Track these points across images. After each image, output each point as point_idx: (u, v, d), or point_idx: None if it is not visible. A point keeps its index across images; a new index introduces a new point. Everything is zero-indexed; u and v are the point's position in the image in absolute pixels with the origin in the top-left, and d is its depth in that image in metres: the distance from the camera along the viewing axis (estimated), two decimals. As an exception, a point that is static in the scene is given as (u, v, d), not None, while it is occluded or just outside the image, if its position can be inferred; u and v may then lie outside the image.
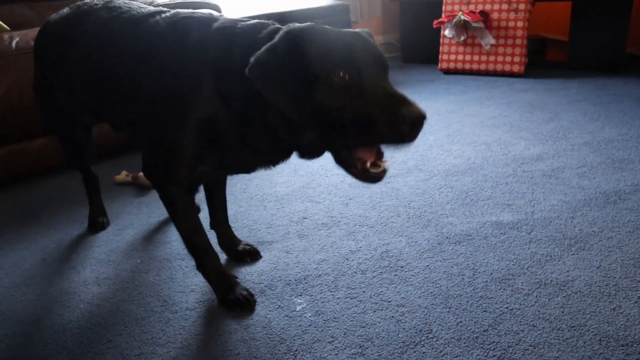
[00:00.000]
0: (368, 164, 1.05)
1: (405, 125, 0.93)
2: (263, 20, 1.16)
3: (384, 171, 1.07)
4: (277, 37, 1.03)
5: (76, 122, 1.64)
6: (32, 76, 1.69)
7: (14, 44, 2.14)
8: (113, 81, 1.31)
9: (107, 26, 1.35)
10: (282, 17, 3.29)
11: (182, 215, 1.29)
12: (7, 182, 2.33)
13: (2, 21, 2.42)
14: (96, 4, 1.44)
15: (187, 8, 1.33)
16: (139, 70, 1.23)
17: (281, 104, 1.01)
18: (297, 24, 1.07)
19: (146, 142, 1.29)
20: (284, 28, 1.06)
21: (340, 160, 1.08)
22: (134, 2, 1.43)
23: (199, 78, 1.13)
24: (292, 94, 1.00)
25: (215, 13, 1.53)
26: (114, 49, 1.30)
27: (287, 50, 1.00)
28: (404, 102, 0.95)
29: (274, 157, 1.22)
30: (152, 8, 1.33)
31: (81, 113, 1.59)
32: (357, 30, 1.08)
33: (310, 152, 1.12)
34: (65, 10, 1.53)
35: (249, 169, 1.28)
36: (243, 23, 1.15)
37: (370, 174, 1.06)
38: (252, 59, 1.01)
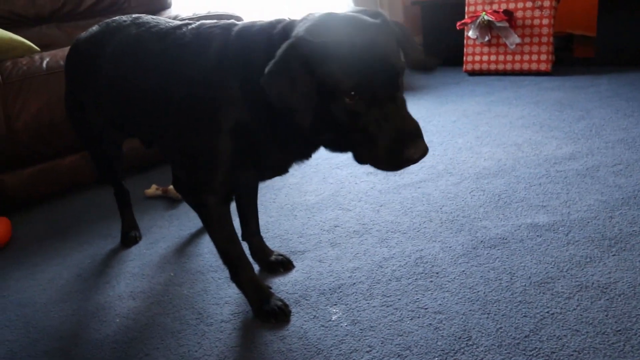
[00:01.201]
0: None
1: (407, 163, 1.01)
2: (279, 18, 1.17)
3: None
4: (290, 46, 1.01)
5: (107, 138, 1.67)
6: (62, 95, 1.72)
7: (44, 64, 2.19)
8: (143, 95, 1.32)
9: (136, 41, 1.37)
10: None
11: (217, 226, 1.30)
12: (40, 199, 2.37)
13: (32, 42, 2.47)
14: (125, 21, 1.47)
15: (211, 20, 1.35)
16: (168, 82, 1.24)
17: (293, 114, 1.03)
18: (311, 19, 1.06)
19: (178, 154, 1.31)
20: (299, 30, 1.04)
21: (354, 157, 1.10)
22: (161, 18, 1.45)
23: (224, 85, 1.15)
24: (303, 107, 1.01)
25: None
26: (143, 64, 1.32)
27: (299, 66, 1.00)
28: (411, 138, 1.00)
29: (304, 150, 1.23)
30: (178, 22, 1.35)
31: (112, 129, 1.61)
32: (375, 25, 1.04)
33: (334, 148, 1.14)
34: (95, 28, 1.55)
35: (283, 167, 1.29)
36: (259, 22, 1.17)
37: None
38: (266, 69, 1.02)
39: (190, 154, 1.24)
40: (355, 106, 1.00)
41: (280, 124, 1.14)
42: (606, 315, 1.18)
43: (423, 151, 1.00)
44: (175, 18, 2.65)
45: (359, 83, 0.98)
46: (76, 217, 2.15)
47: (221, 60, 1.16)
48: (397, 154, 1.00)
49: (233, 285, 1.40)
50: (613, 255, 1.39)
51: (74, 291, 1.61)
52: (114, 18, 1.52)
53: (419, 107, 2.95)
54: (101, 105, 1.53)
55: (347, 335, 1.23)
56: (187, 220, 1.96)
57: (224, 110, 1.15)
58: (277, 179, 2.12)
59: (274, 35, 1.10)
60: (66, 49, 2.32)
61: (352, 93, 0.99)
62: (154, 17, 1.45)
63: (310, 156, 1.27)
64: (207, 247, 1.73)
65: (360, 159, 1.08)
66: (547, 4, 3.20)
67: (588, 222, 1.57)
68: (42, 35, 2.87)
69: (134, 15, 1.49)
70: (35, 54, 2.33)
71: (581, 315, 1.19)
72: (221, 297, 1.46)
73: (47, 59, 2.22)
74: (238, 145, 1.17)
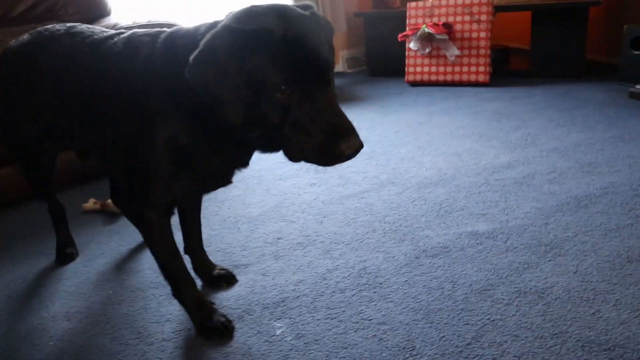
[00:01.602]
0: None
1: (342, 158, 0.98)
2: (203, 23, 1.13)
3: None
4: (216, 34, 0.97)
5: (41, 150, 1.59)
6: (-9, 106, 1.63)
7: (-29, 73, 2.07)
8: (79, 106, 1.28)
9: (70, 52, 1.32)
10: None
11: (157, 240, 1.26)
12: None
13: (-42, 50, 2.34)
14: (58, 30, 1.41)
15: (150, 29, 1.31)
16: (101, 93, 1.21)
17: (221, 107, 0.98)
18: (238, 10, 1.01)
19: (116, 166, 1.26)
20: (224, 20, 1.00)
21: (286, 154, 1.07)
22: (97, 27, 1.40)
23: (151, 95, 1.11)
24: (232, 99, 0.97)
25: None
26: (78, 74, 1.28)
27: (228, 54, 0.95)
28: (345, 133, 0.97)
29: (239, 154, 1.19)
30: (112, 31, 1.31)
31: (47, 140, 1.54)
32: (306, 17, 1.01)
33: (265, 146, 1.10)
34: (26, 36, 1.49)
35: (224, 176, 1.25)
36: (185, 27, 1.13)
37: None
38: (190, 59, 0.97)
39: (127, 166, 1.21)
40: (287, 100, 0.96)
41: (212, 128, 1.10)
42: (544, 320, 1.22)
43: (357, 146, 0.98)
44: (114, 26, 2.58)
45: (291, 76, 0.95)
46: (7, 234, 2.04)
47: (147, 69, 1.13)
48: (330, 149, 0.97)
49: (174, 301, 1.36)
50: (549, 261, 1.44)
51: (5, 313, 1.52)
52: (47, 27, 1.46)
53: (362, 117, 2.98)
54: (36, 116, 1.46)
55: (291, 349, 1.22)
56: (127, 235, 1.90)
57: (154, 121, 1.12)
58: (220, 191, 2.09)
59: (199, 37, 1.03)
60: (-4, 57, 2.22)
61: (283, 87, 0.95)
62: (89, 26, 1.40)
63: (248, 163, 1.23)
64: (147, 263, 1.68)
65: (292, 156, 1.04)
66: (484, 17, 3.31)
67: (525, 229, 1.61)
68: (-29, 43, 2.72)
69: (68, 25, 1.43)
70: (-39, 63, 2.20)
71: (520, 320, 1.22)
72: (162, 314, 1.41)
73: (-25, 68, 2.11)
74: (172, 156, 1.13)
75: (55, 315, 1.48)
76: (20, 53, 1.47)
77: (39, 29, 1.48)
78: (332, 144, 0.96)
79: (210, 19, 1.09)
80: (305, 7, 1.05)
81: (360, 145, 0.98)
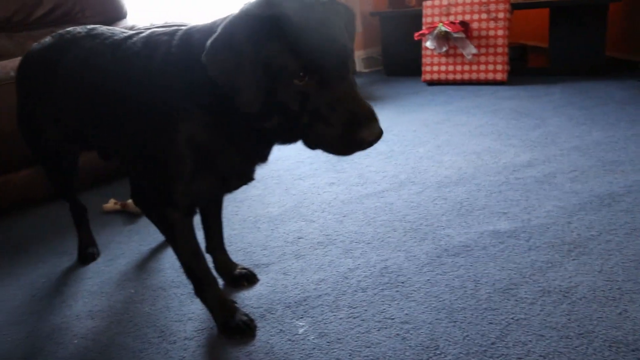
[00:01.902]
0: None
1: (362, 146, 0.96)
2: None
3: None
4: (234, 20, 0.96)
5: (63, 151, 1.61)
6: (11, 107, 1.65)
7: (-7, 75, 2.11)
8: (100, 107, 1.29)
9: (91, 53, 1.33)
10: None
11: (180, 240, 1.26)
12: (-9, 216, 2.27)
13: (-20, 53, 2.38)
14: (79, 32, 1.42)
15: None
16: (122, 93, 1.21)
17: (236, 94, 0.97)
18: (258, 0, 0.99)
19: (137, 166, 1.27)
20: (243, 7, 0.99)
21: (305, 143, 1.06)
22: (117, 28, 1.41)
23: (170, 92, 1.12)
24: (249, 86, 0.96)
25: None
26: (98, 75, 1.29)
27: (246, 39, 0.94)
28: (365, 120, 0.95)
29: (259, 147, 1.19)
30: (132, 32, 1.32)
31: (69, 141, 1.56)
32: (325, 4, 0.99)
33: (283, 137, 1.09)
34: (48, 39, 1.50)
35: (245, 172, 1.25)
36: (202, 24, 1.13)
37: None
38: (207, 43, 0.96)
39: (148, 166, 1.21)
40: (305, 87, 0.95)
41: (231, 122, 1.10)
42: (569, 319, 1.20)
43: (378, 133, 0.96)
44: (131, 28, 2.60)
45: (309, 63, 0.94)
46: (30, 234, 2.07)
47: (164, 66, 1.13)
48: (350, 137, 0.95)
49: (196, 301, 1.37)
50: (573, 260, 1.42)
51: (28, 312, 1.54)
52: (68, 29, 1.48)
53: (380, 117, 2.93)
54: (58, 117, 1.48)
55: (314, 348, 1.22)
56: (147, 235, 1.91)
57: (173, 119, 1.12)
58: (239, 190, 2.10)
59: (215, 29, 1.02)
60: (16, 60, 2.24)
61: (301, 74, 0.94)
62: (109, 28, 1.42)
63: (267, 157, 1.23)
64: (168, 263, 1.69)
65: (311, 144, 1.02)
66: (501, 15, 3.29)
67: (548, 228, 1.60)
68: (-8, 46, 2.77)
69: (89, 27, 1.45)
70: (-17, 65, 2.24)
71: (545, 320, 1.21)
72: (184, 313, 1.42)
73: (-3, 70, 2.14)
74: (193, 154, 1.14)
75: (79, 314, 1.49)
76: (42, 56, 1.49)
77: (61, 31, 1.50)
78: (353, 132, 0.95)
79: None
80: None
81: (381, 132, 0.97)
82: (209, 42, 0.97)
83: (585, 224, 1.59)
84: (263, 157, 1.23)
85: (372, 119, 0.96)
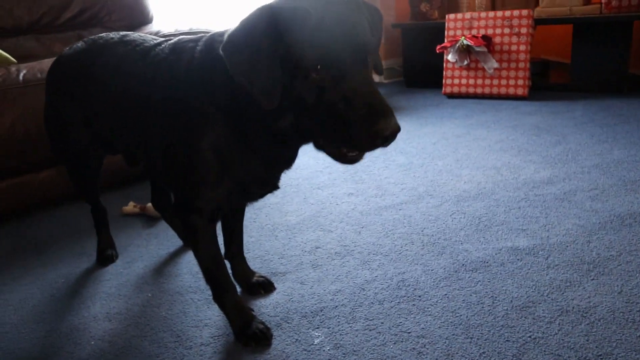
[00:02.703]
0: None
1: (380, 139, 0.93)
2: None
3: (362, 155, 1.04)
4: (253, 13, 0.98)
5: (89, 154, 1.63)
6: (38, 108, 1.68)
7: (21, 76, 2.14)
8: (128, 111, 1.32)
9: (123, 59, 1.36)
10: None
11: (203, 245, 1.27)
12: (12, 215, 2.31)
13: (8, 53, 2.43)
14: (112, 38, 1.45)
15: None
16: (149, 99, 1.24)
17: (251, 88, 0.98)
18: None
19: (162, 172, 1.29)
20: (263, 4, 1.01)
21: (317, 145, 1.06)
22: (148, 35, 1.44)
23: (194, 96, 1.14)
24: (264, 79, 0.96)
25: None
26: (128, 81, 1.32)
27: (264, 32, 0.95)
28: (382, 113, 0.93)
29: (282, 151, 1.19)
30: (161, 39, 1.34)
31: (96, 144, 1.58)
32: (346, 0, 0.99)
33: (297, 136, 1.09)
34: (80, 44, 1.53)
35: (269, 180, 1.25)
36: (225, 29, 1.13)
37: (348, 157, 1.04)
38: (225, 36, 0.98)
39: (174, 171, 1.23)
40: (322, 81, 0.95)
41: (252, 126, 1.11)
42: (587, 340, 1.19)
43: (395, 127, 0.93)
44: (156, 34, 2.64)
45: (327, 56, 0.94)
46: (50, 234, 2.10)
47: (189, 73, 1.15)
48: (366, 130, 0.93)
49: (213, 307, 1.37)
50: (592, 280, 1.41)
51: (47, 312, 1.56)
52: (101, 35, 1.51)
53: (398, 129, 2.97)
54: (86, 122, 1.50)
55: (329, 359, 1.22)
56: (166, 239, 1.93)
57: (197, 126, 1.14)
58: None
59: None
60: (44, 62, 2.29)
61: (319, 67, 0.94)
62: (141, 34, 1.44)
63: (292, 163, 1.23)
64: (186, 268, 1.70)
65: (325, 141, 1.02)
66: (524, 30, 3.28)
67: (567, 246, 1.58)
68: (20, 47, 2.82)
69: (121, 33, 1.48)
70: (12, 66, 2.28)
71: (563, 339, 1.20)
72: (200, 319, 1.43)
73: (24, 71, 2.18)
74: (217, 159, 1.15)
75: (96, 315, 1.51)
76: (74, 60, 1.52)
77: (93, 37, 1.53)
78: (369, 125, 0.93)
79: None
80: None
81: (398, 127, 0.94)
82: (226, 34, 0.98)
83: (605, 244, 1.58)
84: (287, 163, 1.23)
85: (389, 112, 0.94)
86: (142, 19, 3.16)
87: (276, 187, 1.28)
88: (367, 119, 0.93)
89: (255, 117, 1.08)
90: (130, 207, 2.19)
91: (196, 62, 1.15)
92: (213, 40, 1.14)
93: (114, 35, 1.47)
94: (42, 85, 2.06)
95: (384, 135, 0.93)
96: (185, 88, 1.15)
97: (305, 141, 1.11)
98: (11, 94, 2.09)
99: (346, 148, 1.01)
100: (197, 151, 1.15)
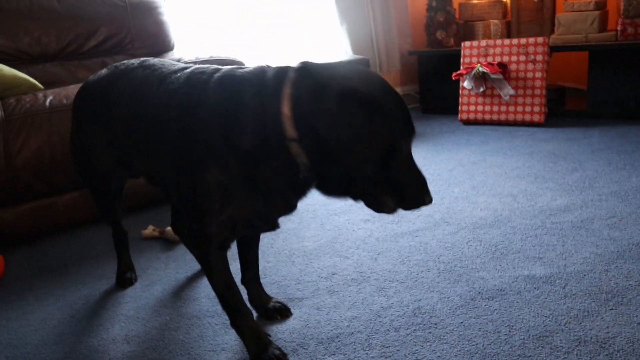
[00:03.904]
0: None
1: (423, 205, 1.16)
2: (261, 66, 1.21)
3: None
4: (345, 98, 1.05)
5: (111, 178, 1.67)
6: (64, 133, 1.73)
7: (47, 102, 2.21)
8: (144, 135, 1.36)
9: (141, 83, 1.40)
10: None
11: (215, 272, 1.30)
12: (36, 236, 2.35)
13: (36, 80, 2.50)
14: (132, 64, 1.50)
15: (212, 64, 1.38)
16: (162, 126, 1.28)
17: (353, 165, 1.08)
18: (328, 69, 1.11)
19: (176, 197, 1.32)
20: (320, 77, 1.08)
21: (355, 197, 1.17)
22: (167, 60, 1.48)
23: (206, 132, 1.17)
24: (370, 155, 1.08)
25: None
26: (144, 104, 1.36)
27: (361, 117, 1.05)
28: (426, 184, 1.15)
29: (291, 197, 1.23)
30: (180, 65, 1.38)
31: (118, 168, 1.62)
32: (382, 77, 1.14)
33: (333, 192, 1.17)
34: (104, 71, 1.59)
35: (270, 221, 1.28)
36: (241, 70, 1.20)
37: (387, 208, 1.17)
38: (337, 93, 1.04)
39: (185, 199, 1.26)
40: (401, 154, 1.10)
41: (265, 167, 1.15)
42: (605, 372, 1.18)
43: (431, 200, 1.16)
44: (178, 61, 2.70)
45: (408, 131, 1.11)
46: (71, 256, 2.14)
47: (200, 108, 1.19)
48: (418, 198, 1.14)
49: (230, 331, 1.39)
50: (610, 310, 1.40)
51: (67, 333, 1.59)
52: (123, 62, 1.56)
53: (415, 155, 2.95)
54: (108, 147, 1.55)
55: (345, 386, 1.22)
56: (184, 262, 1.95)
57: (205, 158, 1.18)
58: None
59: (265, 82, 1.13)
60: (69, 88, 2.36)
61: (403, 142, 1.10)
62: (160, 60, 1.49)
63: (295, 207, 1.28)
64: (204, 292, 1.72)
65: (381, 204, 1.15)
66: (539, 57, 3.30)
67: (584, 275, 1.58)
68: (46, 73, 2.90)
69: (142, 59, 1.53)
70: (38, 92, 2.35)
71: (580, 371, 1.19)
72: (218, 343, 1.44)
73: (51, 97, 2.25)
74: (222, 194, 1.19)
75: (115, 337, 1.53)
76: (97, 85, 1.57)
77: (117, 64, 1.58)
78: (422, 195, 1.14)
79: (266, 59, 1.16)
80: (366, 64, 1.16)
81: (432, 200, 1.17)
82: (339, 91, 1.05)
83: (623, 273, 1.57)
84: (292, 208, 1.27)
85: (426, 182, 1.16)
86: (163, 46, 3.24)
87: (276, 227, 1.32)
88: (421, 189, 1.14)
89: (276, 164, 1.14)
90: (149, 230, 2.22)
91: (210, 101, 1.18)
92: (230, 83, 1.18)
93: (134, 61, 1.52)
94: (68, 110, 2.14)
95: (427, 203, 1.15)
96: (195, 123, 1.19)
97: (340, 195, 1.19)
98: (38, 119, 2.16)
99: (395, 204, 1.15)
100: (202, 182, 1.19)
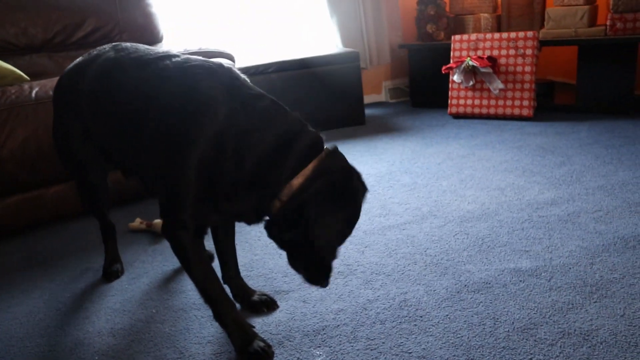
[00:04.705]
0: None
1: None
2: (274, 100, 1.24)
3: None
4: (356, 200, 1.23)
5: (91, 168, 1.66)
6: (50, 125, 1.71)
7: (33, 93, 2.19)
8: (121, 122, 1.34)
9: (114, 67, 1.39)
10: (296, 64, 3.36)
11: (193, 262, 1.29)
12: (22, 229, 2.33)
13: (22, 71, 2.48)
14: (104, 48, 1.49)
15: (201, 56, 1.37)
16: (146, 111, 1.26)
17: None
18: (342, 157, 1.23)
19: (152, 185, 1.31)
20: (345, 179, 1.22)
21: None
22: (141, 45, 1.46)
23: (203, 122, 1.17)
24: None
25: (226, 62, 1.58)
26: (122, 90, 1.34)
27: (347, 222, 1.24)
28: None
29: (251, 216, 1.28)
30: (160, 51, 1.36)
31: (96, 158, 1.61)
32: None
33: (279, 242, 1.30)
34: (79, 58, 1.57)
35: (242, 214, 1.30)
36: (252, 92, 1.23)
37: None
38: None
39: (162, 186, 1.25)
40: None
41: (242, 188, 1.20)
42: (588, 364, 1.19)
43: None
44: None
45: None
46: (58, 249, 2.12)
47: (208, 101, 1.18)
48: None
49: (215, 324, 1.38)
50: (594, 302, 1.41)
51: (52, 326, 1.58)
52: (97, 47, 1.55)
53: (404, 148, 2.99)
54: (85, 133, 1.54)
55: (330, 378, 1.22)
56: (171, 255, 1.93)
57: (195, 145, 1.17)
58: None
59: (299, 146, 1.19)
60: (55, 79, 2.33)
61: None
62: (133, 44, 1.47)
63: (251, 224, 1.32)
64: (190, 284, 1.71)
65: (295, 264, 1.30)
66: (529, 52, 3.30)
67: (570, 268, 1.59)
68: (33, 64, 2.88)
69: (114, 44, 1.51)
70: (24, 83, 2.33)
71: (564, 363, 1.20)
72: (204, 336, 1.44)
73: (37, 89, 2.22)
74: (198, 179, 1.19)
75: (101, 330, 1.53)
76: (72, 72, 1.56)
77: (90, 50, 1.57)
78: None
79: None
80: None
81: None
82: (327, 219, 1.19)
83: (608, 266, 1.58)
84: (250, 221, 1.31)
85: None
86: (152, 38, 3.22)
87: (248, 219, 1.32)
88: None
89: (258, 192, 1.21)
90: (136, 223, 2.21)
91: (220, 99, 1.19)
92: (243, 98, 1.20)
93: (107, 46, 1.51)
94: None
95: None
96: (196, 111, 1.18)
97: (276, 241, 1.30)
98: (24, 110, 2.14)
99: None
100: (188, 169, 1.18)
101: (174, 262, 1.89)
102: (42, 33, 2.91)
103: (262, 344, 1.32)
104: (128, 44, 1.47)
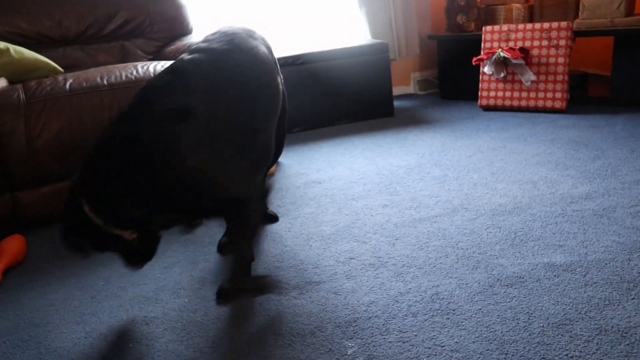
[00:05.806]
0: None
1: None
2: None
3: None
4: None
5: None
6: (84, 116, 1.74)
7: (67, 85, 2.22)
8: None
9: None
10: (324, 56, 3.36)
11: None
12: (55, 219, 2.38)
13: (56, 63, 2.52)
14: None
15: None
16: None
17: None
18: None
19: None
20: None
21: None
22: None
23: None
24: None
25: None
26: None
27: None
28: None
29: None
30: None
31: None
32: None
33: None
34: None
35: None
36: None
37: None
38: None
39: None
40: None
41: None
42: (626, 361, 1.17)
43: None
44: (189, 46, 2.70)
45: None
46: (91, 238, 2.16)
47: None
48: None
49: (248, 314, 1.40)
50: (632, 299, 1.38)
51: (87, 313, 1.61)
52: None
53: (434, 140, 2.97)
54: None
55: (362, 370, 1.23)
56: (202, 246, 1.96)
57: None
58: (292, 208, 2.15)
59: None
60: (89, 71, 2.37)
61: None
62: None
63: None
64: (221, 275, 1.73)
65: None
66: (562, 42, 3.23)
67: (606, 264, 1.56)
68: (66, 57, 2.92)
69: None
70: (59, 75, 2.37)
71: (601, 359, 1.18)
72: (237, 326, 1.45)
73: (70, 80, 2.26)
74: None
75: (134, 318, 1.55)
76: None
77: None
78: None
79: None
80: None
81: None
82: None
83: (646, 262, 1.55)
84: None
85: None
86: (182, 30, 3.24)
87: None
88: None
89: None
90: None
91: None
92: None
93: None
94: (87, 93, 2.16)
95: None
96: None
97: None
98: (59, 102, 2.17)
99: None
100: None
101: (205, 252, 1.91)
102: (75, 25, 2.95)
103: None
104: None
